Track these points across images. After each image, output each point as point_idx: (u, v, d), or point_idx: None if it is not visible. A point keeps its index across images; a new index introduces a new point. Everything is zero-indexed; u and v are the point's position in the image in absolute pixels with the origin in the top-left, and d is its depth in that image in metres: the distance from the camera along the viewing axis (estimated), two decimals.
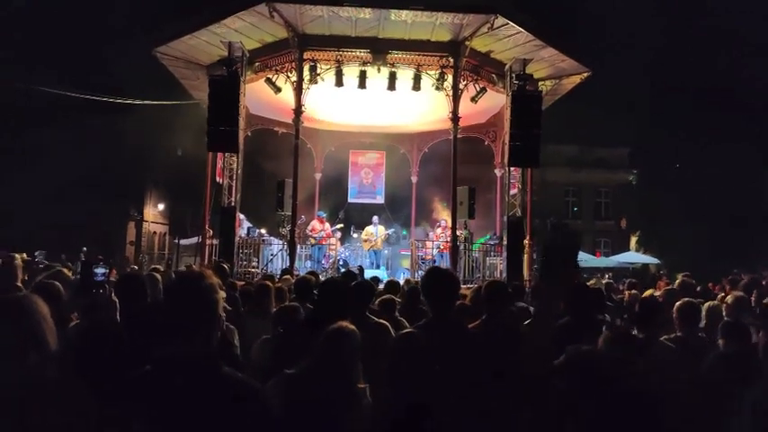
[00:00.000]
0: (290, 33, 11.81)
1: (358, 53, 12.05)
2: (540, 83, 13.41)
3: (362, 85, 12.01)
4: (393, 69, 12.07)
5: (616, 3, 26.04)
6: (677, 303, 4.19)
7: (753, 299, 6.06)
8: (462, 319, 3.89)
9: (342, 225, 15.56)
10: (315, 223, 14.51)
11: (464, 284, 10.61)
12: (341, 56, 12.04)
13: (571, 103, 15.70)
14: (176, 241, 13.74)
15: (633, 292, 7.94)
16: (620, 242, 33.31)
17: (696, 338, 4.05)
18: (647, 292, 6.17)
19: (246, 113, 13.55)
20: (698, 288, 7.20)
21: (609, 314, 5.84)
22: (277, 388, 2.65)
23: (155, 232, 35.71)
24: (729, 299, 5.62)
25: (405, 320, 4.70)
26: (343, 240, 15.98)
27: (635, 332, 4.09)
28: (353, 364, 2.65)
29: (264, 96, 13.20)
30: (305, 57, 12.04)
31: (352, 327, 2.75)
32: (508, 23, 11.33)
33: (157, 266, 8.21)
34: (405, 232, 16.78)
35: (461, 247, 13.01)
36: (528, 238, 13.37)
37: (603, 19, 26.82)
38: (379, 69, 12.07)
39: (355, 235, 16.60)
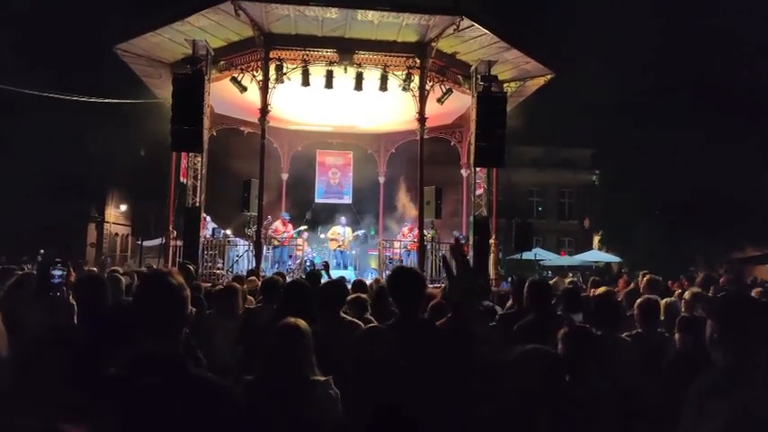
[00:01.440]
0: (255, 32, 11.69)
1: (324, 53, 12.01)
2: (504, 84, 13.60)
3: (329, 84, 11.97)
4: (360, 69, 12.07)
5: (581, 6, 26.56)
6: (638, 300, 4.31)
7: (710, 294, 6.26)
8: (434, 318, 3.93)
9: (306, 226, 15.44)
10: (278, 224, 14.37)
11: (431, 284, 10.68)
12: (307, 55, 11.98)
13: (537, 104, 15.96)
14: (139, 242, 13.44)
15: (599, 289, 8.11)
16: (584, 241, 34.01)
17: (656, 334, 4.17)
18: (602, 290, 6.30)
19: (211, 113, 13.35)
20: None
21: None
22: (240, 393, 2.64)
23: (116, 234, 34.90)
24: (687, 295, 5.81)
25: (374, 320, 4.71)
26: (310, 241, 15.90)
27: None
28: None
29: (230, 95, 13.04)
30: (271, 56, 11.94)
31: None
32: (473, 25, 11.45)
33: (117, 268, 8.01)
34: (372, 232, 16.80)
35: (428, 246, 13.09)
36: (494, 237, 13.54)
37: (568, 22, 27.34)
38: (345, 69, 12.06)
39: (322, 235, 16.54)
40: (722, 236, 26.38)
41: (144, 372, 1.80)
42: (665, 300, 5.77)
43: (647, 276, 6.59)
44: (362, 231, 16.30)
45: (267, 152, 12.69)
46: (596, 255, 29.74)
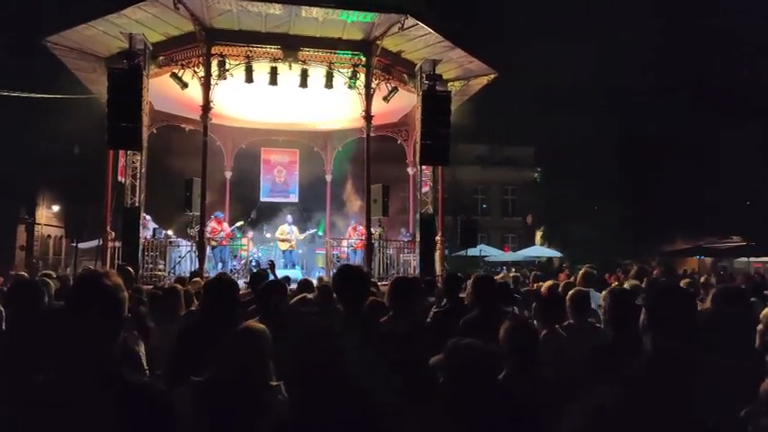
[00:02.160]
0: (196, 27, 11.40)
1: (268, 49, 11.84)
2: (449, 83, 13.78)
3: (273, 81, 11.82)
4: (305, 66, 11.96)
5: (523, 6, 27.23)
6: (570, 292, 4.46)
7: (643, 286, 6.55)
8: (377, 315, 3.93)
9: (242, 223, 15.08)
10: (212, 224, 13.94)
11: (380, 282, 10.71)
12: (251, 51, 11.77)
13: (481, 103, 16.25)
14: (74, 245, 12.84)
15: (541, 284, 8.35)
16: (527, 237, 34.92)
17: (587, 324, 4.33)
18: (545, 284, 6.50)
19: (151, 109, 12.93)
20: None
21: (517, 306, 6.10)
22: (185, 395, 2.55)
23: (49, 236, 33.29)
24: (625, 286, 6.06)
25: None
26: (255, 240, 15.64)
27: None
28: (262, 362, 2.61)
29: (170, 92, 12.66)
30: (213, 52, 11.66)
31: (260, 326, 2.70)
32: (418, 24, 11.54)
33: (49, 272, 7.63)
34: (321, 232, 16.68)
35: (376, 244, 13.12)
36: (440, 234, 13.70)
37: (511, 21, 27.96)
38: (290, 66, 11.93)
39: (268, 234, 16.30)
40: (655, 230, 27.63)
41: (76, 378, 1.72)
42: (603, 291, 6.00)
43: (583, 270, 6.83)
44: (313, 231, 16.17)
45: (210, 150, 12.40)
46: (539, 250, 30.59)
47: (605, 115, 25.98)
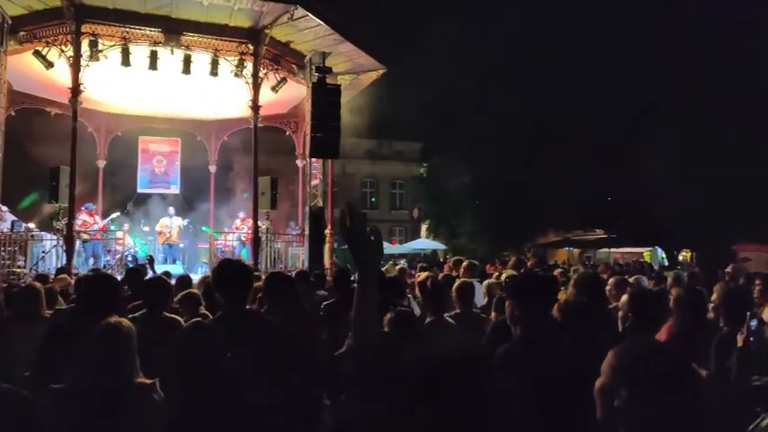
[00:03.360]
0: (64, 2, 10.46)
1: (148, 32, 11.14)
2: (339, 77, 13.77)
3: (153, 66, 11.15)
4: (188, 52, 11.40)
5: (415, 3, 27.83)
6: (456, 283, 4.65)
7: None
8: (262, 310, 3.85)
9: (118, 214, 14.16)
10: (84, 217, 12.91)
11: None
12: (127, 33, 11.01)
13: (371, 96, 16.37)
14: None
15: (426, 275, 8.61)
16: (414, 230, 35.89)
17: (471, 313, 4.55)
18: (424, 274, 6.73)
19: (9, 90, 11.73)
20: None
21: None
22: (49, 403, 2.35)
23: None
24: (502, 277, 6.42)
25: (209, 314, 4.53)
26: (133, 233, 14.69)
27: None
28: (127, 359, 2.47)
29: (33, 71, 11.54)
30: (83, 30, 10.76)
31: (122, 321, 2.55)
32: (308, 15, 11.40)
33: None
34: (206, 229, 15.95)
35: (263, 238, 12.86)
36: (329, 227, 13.70)
37: (402, 17, 28.44)
38: (172, 51, 11.32)
39: (146, 228, 15.39)
40: (530, 223, 29.51)
41: None
42: (485, 282, 6.33)
43: (466, 261, 7.15)
44: (187, 221, 15.40)
45: (80, 137, 11.49)
46: (424, 243, 31.56)
47: (486, 113, 27.24)
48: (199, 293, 4.98)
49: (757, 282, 5.36)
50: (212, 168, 17.48)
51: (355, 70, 14.10)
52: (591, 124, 26.66)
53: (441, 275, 6.57)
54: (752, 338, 2.87)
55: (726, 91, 19.65)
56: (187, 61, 11.40)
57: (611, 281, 5.34)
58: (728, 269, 7.42)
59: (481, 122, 27.34)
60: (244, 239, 13.92)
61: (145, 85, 13.00)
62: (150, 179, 17.29)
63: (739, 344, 2.99)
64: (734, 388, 2.90)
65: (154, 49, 11.13)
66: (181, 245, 15.16)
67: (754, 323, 2.89)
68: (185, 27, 11.36)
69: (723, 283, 5.42)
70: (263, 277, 4.64)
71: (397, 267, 11.15)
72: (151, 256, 8.61)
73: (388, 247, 29.84)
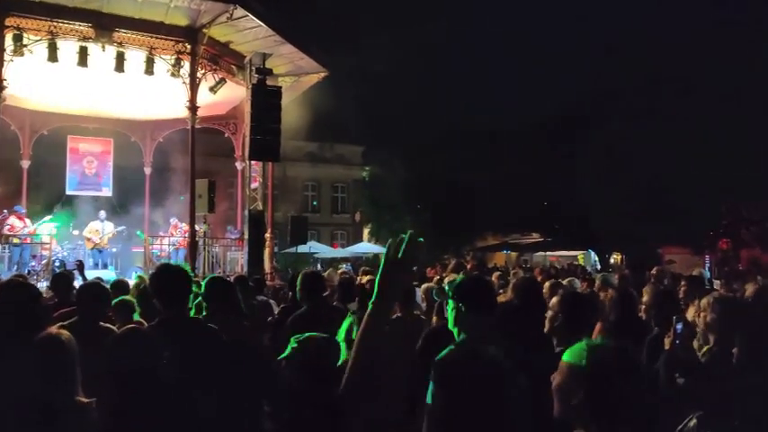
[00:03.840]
0: None
1: (78, 27, 10.65)
2: (280, 78, 13.61)
3: (83, 63, 10.66)
4: (121, 49, 10.96)
5: (359, 8, 27.84)
6: None
7: None
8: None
9: (50, 217, 13.46)
10: (14, 220, 12.24)
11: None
12: (55, 27, 10.48)
13: (313, 99, 16.26)
14: None
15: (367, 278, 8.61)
16: (356, 234, 35.89)
17: (412, 316, 4.58)
18: (367, 278, 6.74)
19: None
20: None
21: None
22: None
23: None
24: (446, 281, 6.49)
25: (144, 322, 4.35)
26: (60, 238, 13.97)
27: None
28: (67, 377, 2.33)
29: None
30: (7, 23, 10.18)
31: (64, 333, 2.41)
32: (248, 15, 11.21)
33: None
34: (141, 235, 15.34)
35: (200, 242, 12.53)
36: (269, 231, 13.50)
37: (346, 23, 28.37)
38: (103, 47, 10.85)
39: (76, 232, 14.67)
40: (470, 227, 30.11)
41: None
42: (424, 285, 6.38)
43: None
44: (123, 227, 14.82)
45: (2, 135, 10.83)
46: (366, 246, 31.61)
47: (427, 116, 27.62)
48: (133, 300, 4.77)
49: (683, 283, 5.65)
50: (147, 170, 16.88)
51: (296, 72, 13.98)
52: (526, 130, 27.55)
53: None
54: (677, 341, 3.02)
55: (652, 101, 20.72)
56: (120, 59, 10.96)
57: (546, 284, 5.50)
58: (654, 271, 7.79)
59: (421, 127, 27.70)
60: (179, 244, 13.51)
61: (74, 83, 12.43)
62: (80, 180, 16.50)
63: (667, 347, 3.14)
64: (661, 389, 3.04)
65: (84, 44, 10.64)
66: (113, 249, 14.55)
67: (680, 326, 3.04)
68: (118, 23, 10.93)
69: (653, 284, 5.69)
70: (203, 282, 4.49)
71: (340, 271, 11.11)
72: (80, 262, 8.18)
73: (330, 252, 29.75)
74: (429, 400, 2.41)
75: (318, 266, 19.34)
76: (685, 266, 15.23)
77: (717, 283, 9.01)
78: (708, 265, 21.02)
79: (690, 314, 3.90)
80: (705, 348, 3.25)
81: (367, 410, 1.90)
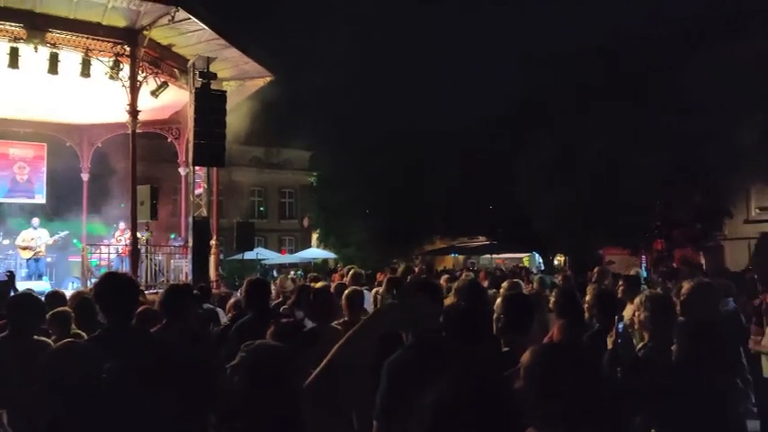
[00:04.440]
0: None
1: (8, 26, 10.14)
2: (225, 83, 13.38)
3: (14, 64, 10.17)
4: (55, 51, 10.51)
5: (304, 13, 27.67)
6: (345, 292, 4.68)
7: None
8: (148, 325, 3.63)
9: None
10: None
11: (147, 290, 9.93)
12: None
13: (259, 104, 16.06)
14: None
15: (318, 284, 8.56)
16: (304, 239, 35.61)
17: (359, 321, 4.59)
18: (320, 284, 6.72)
19: None
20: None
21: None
22: None
23: None
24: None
25: (83, 334, 4.18)
26: None
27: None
28: None
29: None
30: None
31: None
32: (191, 18, 10.96)
33: None
34: (78, 243, 14.69)
35: (143, 250, 12.14)
36: (214, 238, 13.24)
37: (294, 28, 28.20)
38: (36, 48, 10.37)
39: (6, 241, 13.94)
40: (418, 231, 30.36)
41: None
42: (374, 289, 6.41)
43: (353, 270, 7.23)
44: (66, 233, 14.17)
45: None
46: (315, 252, 31.42)
47: (373, 121, 27.70)
48: (70, 311, 4.57)
49: (620, 282, 5.88)
50: (85, 176, 16.22)
51: (241, 77, 13.78)
52: (469, 133, 28.07)
53: (333, 285, 6.56)
54: (619, 341, 3.14)
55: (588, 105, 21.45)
56: (54, 60, 10.50)
57: (504, 284, 5.73)
58: (595, 271, 8.08)
59: (368, 131, 27.80)
60: (121, 252, 13.06)
61: (4, 85, 11.84)
62: (10, 187, 15.70)
63: (609, 346, 3.26)
64: (606, 387, 3.15)
65: (14, 45, 10.16)
66: (48, 259, 13.91)
67: (621, 326, 3.17)
68: (52, 23, 10.47)
69: (595, 284, 5.90)
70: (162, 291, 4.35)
71: (289, 277, 11.02)
72: (11, 272, 7.78)
73: (278, 258, 29.41)
74: (378, 400, 2.44)
75: (275, 273, 19.07)
76: (624, 266, 15.83)
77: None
78: (644, 264, 21.93)
79: (627, 312, 4.07)
80: (640, 345, 3.41)
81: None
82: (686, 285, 3.73)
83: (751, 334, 5.61)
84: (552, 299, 4.45)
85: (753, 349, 5.36)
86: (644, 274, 12.22)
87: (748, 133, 20.98)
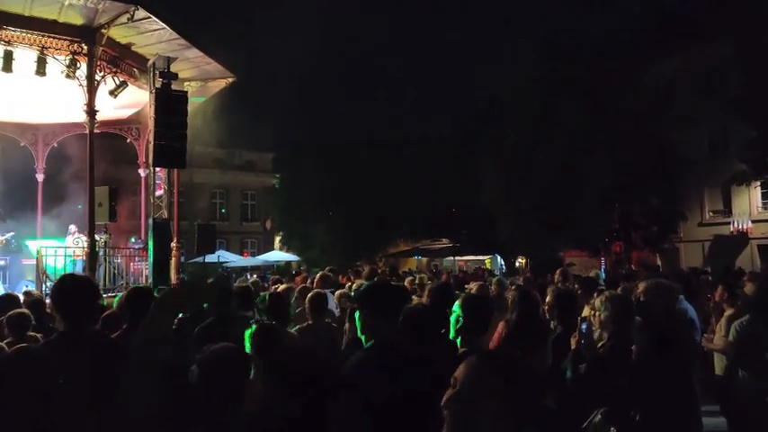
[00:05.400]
0: None
1: None
2: (186, 83, 13.18)
3: None
4: (9, 48, 10.18)
5: (267, 16, 27.43)
6: (309, 294, 4.67)
7: None
8: (109, 330, 3.56)
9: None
10: None
11: (105, 293, 9.71)
12: None
13: (221, 105, 15.88)
14: None
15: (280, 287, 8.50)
16: (266, 242, 35.24)
17: (323, 324, 4.59)
18: (282, 287, 6.69)
19: None
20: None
21: (257, 310, 6.11)
22: None
23: None
24: (354, 286, 6.56)
25: (38, 336, 4.09)
26: None
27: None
28: None
29: None
30: None
31: None
32: (150, 17, 10.76)
33: None
34: (26, 246, 14.17)
35: (101, 252, 11.85)
36: (175, 240, 13.02)
37: (257, 30, 27.91)
38: None
39: None
40: (382, 233, 30.44)
41: None
42: (338, 291, 6.42)
43: (320, 273, 7.22)
44: (11, 234, 13.67)
45: None
46: (278, 255, 31.15)
47: (336, 123, 27.72)
48: (29, 314, 4.46)
49: (576, 285, 6.03)
50: (40, 177, 15.70)
51: (203, 77, 13.60)
52: (432, 136, 28.30)
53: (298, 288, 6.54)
54: (582, 341, 3.23)
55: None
56: (8, 58, 10.16)
57: (471, 286, 5.83)
58: (557, 273, 8.25)
59: (331, 134, 27.77)
60: (78, 254, 12.69)
61: None
62: None
63: (573, 346, 3.35)
64: (568, 386, 3.23)
65: None
66: (1, 262, 13.40)
67: (584, 326, 3.26)
68: (6, 20, 10.11)
69: (555, 285, 6.04)
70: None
71: (251, 281, 10.92)
72: None
73: (240, 260, 29.02)
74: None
75: (254, 276, 18.71)
76: (584, 268, 16.19)
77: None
78: (603, 266, 22.46)
79: (585, 313, 4.18)
80: (600, 344, 3.51)
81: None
82: (642, 285, 3.81)
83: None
84: (510, 298, 4.55)
85: (706, 347, 5.50)
86: (603, 275, 12.52)
87: (701, 140, 21.74)
